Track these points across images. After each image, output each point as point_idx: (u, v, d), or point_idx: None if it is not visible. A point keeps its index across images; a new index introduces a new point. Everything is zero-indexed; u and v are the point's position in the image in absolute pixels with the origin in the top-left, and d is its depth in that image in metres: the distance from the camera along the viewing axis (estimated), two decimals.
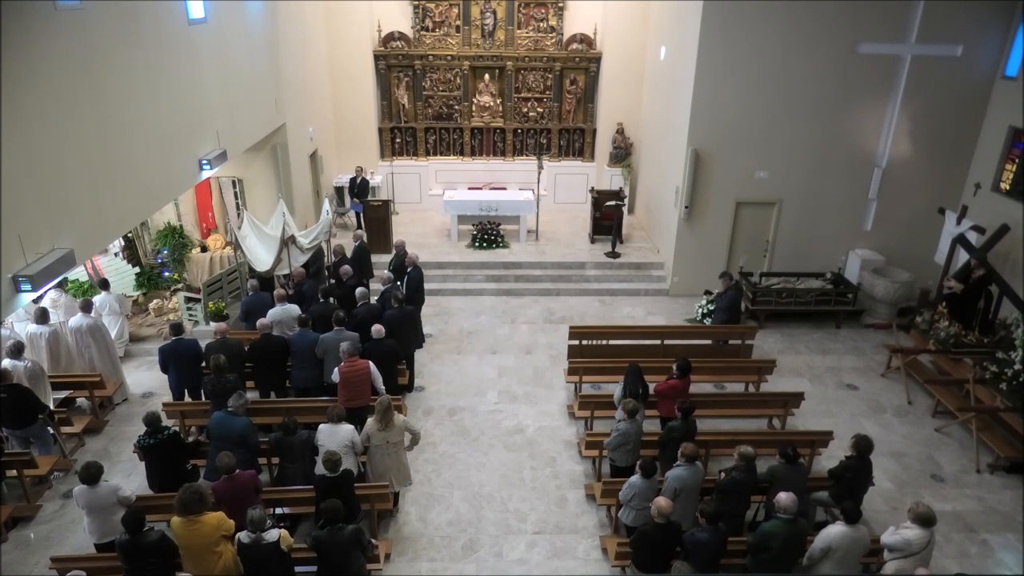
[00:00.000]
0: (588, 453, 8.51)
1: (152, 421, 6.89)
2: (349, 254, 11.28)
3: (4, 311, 5.69)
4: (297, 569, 6.14)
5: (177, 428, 7.69)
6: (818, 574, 6.08)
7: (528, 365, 10.89)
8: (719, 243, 12.92)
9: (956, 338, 10.29)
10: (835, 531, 5.94)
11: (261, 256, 10.61)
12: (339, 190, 15.70)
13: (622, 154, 15.91)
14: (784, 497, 5.93)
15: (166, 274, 12.20)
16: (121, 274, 11.63)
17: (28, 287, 5.66)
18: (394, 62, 15.54)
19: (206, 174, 9.37)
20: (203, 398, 8.29)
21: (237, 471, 6.36)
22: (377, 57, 15.41)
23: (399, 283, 10.62)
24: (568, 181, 16.50)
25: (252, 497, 6.30)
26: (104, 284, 10.25)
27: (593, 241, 14.72)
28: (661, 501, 5.94)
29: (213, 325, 9.36)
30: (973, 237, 10.87)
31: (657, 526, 5.94)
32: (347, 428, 7.10)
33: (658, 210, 14.39)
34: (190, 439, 7.90)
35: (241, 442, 6.97)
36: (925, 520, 5.88)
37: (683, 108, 12.33)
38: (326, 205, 12.25)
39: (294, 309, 9.33)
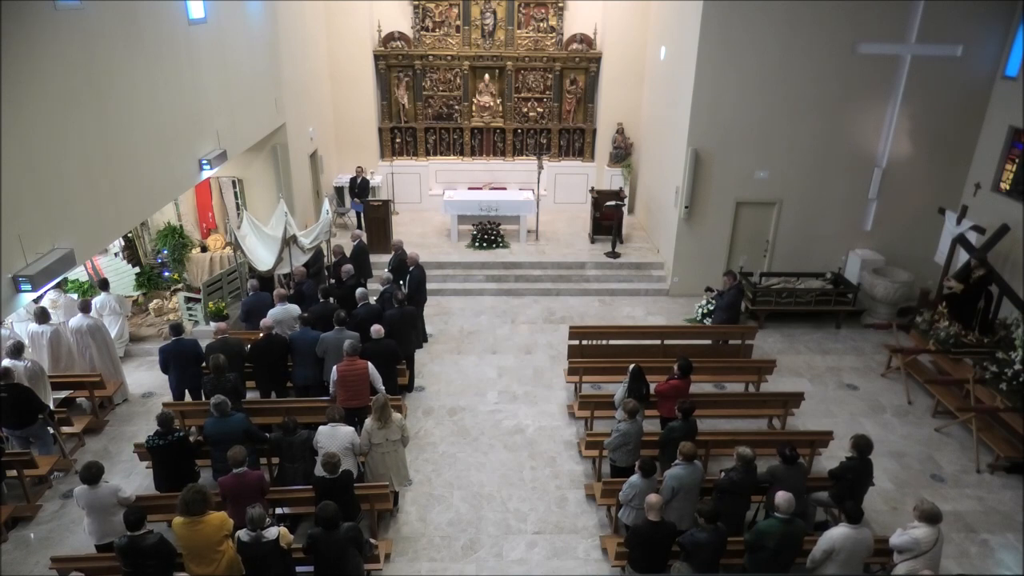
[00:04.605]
0: (588, 453, 8.51)
1: (165, 422, 6.90)
2: (348, 254, 11.28)
3: (4, 311, 5.70)
4: (296, 569, 6.14)
5: (183, 431, 7.67)
6: (822, 575, 6.08)
7: (528, 365, 10.89)
8: (719, 243, 12.92)
9: (956, 338, 10.29)
10: (838, 532, 5.93)
11: (262, 256, 10.61)
12: (339, 190, 15.70)
13: (622, 154, 15.91)
14: (780, 497, 5.93)
15: (166, 274, 12.20)
16: (121, 274, 11.62)
17: (28, 287, 5.66)
18: (394, 62, 15.54)
19: (206, 174, 9.38)
20: (203, 398, 8.29)
21: (246, 469, 6.37)
22: (377, 57, 15.41)
23: (401, 283, 10.63)
24: (568, 181, 16.50)
25: (257, 497, 6.31)
26: (104, 284, 10.25)
27: (593, 241, 14.72)
28: (652, 498, 5.95)
29: (213, 325, 9.37)
30: (973, 237, 10.87)
31: (651, 524, 5.94)
32: (347, 430, 7.09)
33: (658, 210, 14.39)
34: (191, 439, 7.89)
35: (245, 438, 6.98)
36: (931, 517, 5.87)
37: (683, 108, 12.33)
38: (326, 205, 12.25)
39: (294, 309, 9.34)
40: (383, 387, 8.09)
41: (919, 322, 11.17)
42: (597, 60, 15.69)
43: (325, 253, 12.06)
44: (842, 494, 6.83)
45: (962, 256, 10.97)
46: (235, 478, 6.34)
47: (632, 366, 8.10)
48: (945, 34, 11.43)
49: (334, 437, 7.00)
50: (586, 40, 15.66)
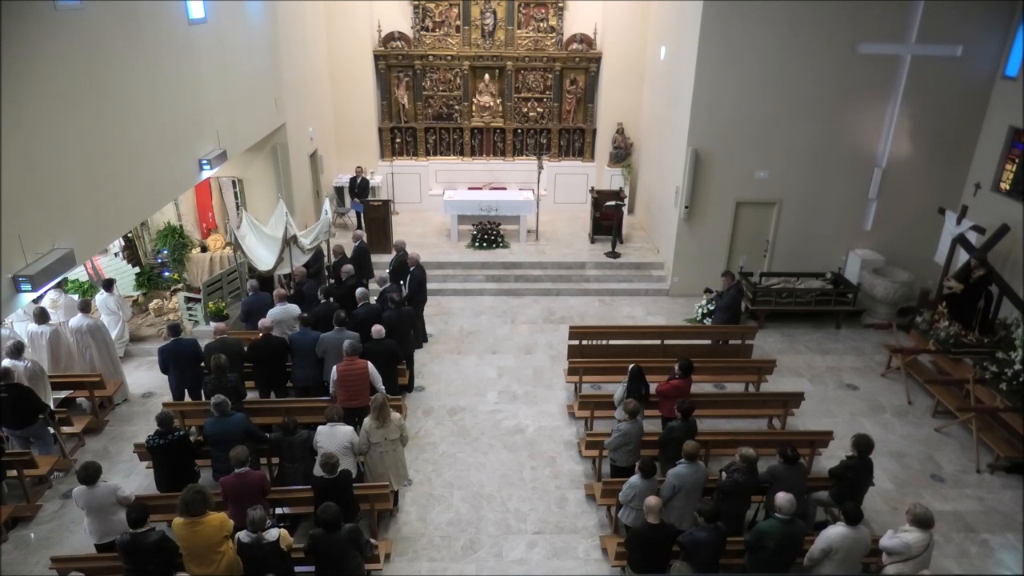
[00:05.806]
0: (588, 453, 8.51)
1: (164, 422, 6.91)
2: (349, 254, 11.28)
3: (4, 311, 5.70)
4: (296, 569, 6.14)
5: (183, 431, 7.68)
6: (819, 574, 6.08)
7: (528, 365, 10.89)
8: (719, 243, 12.92)
9: (956, 338, 10.29)
10: (836, 532, 5.93)
11: (262, 255, 10.61)
12: (339, 190, 15.70)
13: (622, 154, 15.91)
14: (781, 498, 5.93)
15: (166, 274, 12.20)
16: (121, 274, 11.63)
17: (28, 287, 5.66)
18: (394, 62, 15.54)
19: (206, 174, 9.38)
20: (203, 398, 8.29)
21: (248, 468, 6.37)
22: (377, 57, 15.41)
23: (401, 283, 10.62)
24: (568, 181, 16.50)
25: (258, 497, 6.31)
26: (108, 285, 10.24)
27: (593, 241, 14.72)
28: (651, 500, 5.94)
29: (213, 325, 9.37)
30: (973, 237, 10.87)
31: (651, 526, 5.93)
32: (346, 429, 7.10)
33: (658, 210, 14.39)
34: (191, 439, 7.90)
35: (245, 438, 6.98)
36: (923, 522, 5.85)
37: (683, 108, 12.33)
38: (326, 205, 12.25)
39: (294, 309, 9.34)
40: (383, 387, 8.09)
41: (919, 322, 11.17)
42: (597, 60, 15.68)
43: (325, 253, 12.06)
44: (842, 494, 6.83)
45: (962, 256, 10.97)
46: (237, 478, 6.34)
47: (632, 366, 8.10)
48: (945, 34, 11.43)
49: (333, 437, 7.00)
50: (586, 40, 15.65)
